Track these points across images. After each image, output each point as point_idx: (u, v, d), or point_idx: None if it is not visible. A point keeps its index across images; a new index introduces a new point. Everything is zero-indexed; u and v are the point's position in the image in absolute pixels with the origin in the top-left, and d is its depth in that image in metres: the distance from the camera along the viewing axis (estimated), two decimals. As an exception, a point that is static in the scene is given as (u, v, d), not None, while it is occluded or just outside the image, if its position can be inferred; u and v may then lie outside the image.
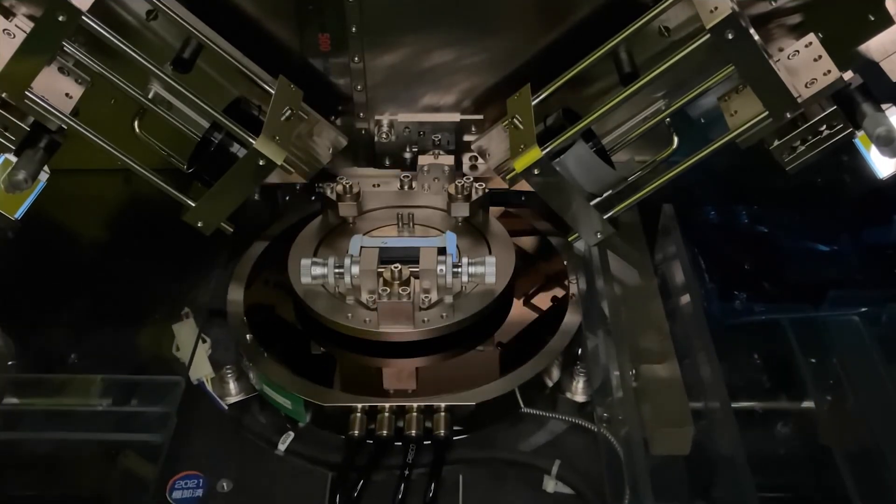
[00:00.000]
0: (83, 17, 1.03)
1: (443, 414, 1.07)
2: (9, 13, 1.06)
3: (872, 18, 0.99)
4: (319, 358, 1.17)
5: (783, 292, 1.30)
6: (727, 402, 1.01)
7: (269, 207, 1.43)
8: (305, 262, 1.13)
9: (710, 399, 1.03)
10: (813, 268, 1.37)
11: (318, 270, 1.13)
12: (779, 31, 1.08)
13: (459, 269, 1.13)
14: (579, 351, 1.17)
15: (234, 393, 1.15)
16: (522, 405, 1.11)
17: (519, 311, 1.22)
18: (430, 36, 1.29)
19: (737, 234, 1.42)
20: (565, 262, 1.27)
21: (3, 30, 1.04)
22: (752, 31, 1.02)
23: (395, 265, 1.13)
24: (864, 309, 1.25)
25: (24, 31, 1.04)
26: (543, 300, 1.24)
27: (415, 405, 1.08)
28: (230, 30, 1.21)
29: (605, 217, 1.17)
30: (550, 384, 1.15)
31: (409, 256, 1.15)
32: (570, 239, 1.24)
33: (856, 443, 1.10)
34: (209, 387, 1.14)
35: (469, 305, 1.15)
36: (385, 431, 1.07)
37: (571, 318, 1.19)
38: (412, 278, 1.13)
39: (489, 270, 1.13)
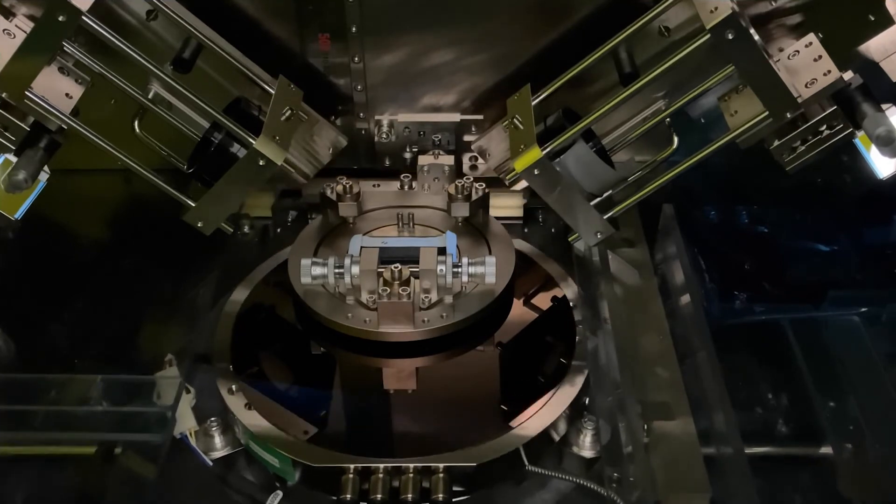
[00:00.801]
0: (83, 17, 1.03)
1: (441, 475, 1.00)
2: (9, 13, 1.06)
3: (872, 18, 0.99)
4: (310, 413, 1.09)
5: (783, 292, 1.30)
6: (742, 452, 0.96)
7: (257, 243, 1.37)
8: (305, 261, 1.13)
9: (724, 446, 0.98)
10: (813, 268, 1.37)
11: (318, 270, 1.13)
12: (779, 31, 1.08)
13: (459, 270, 1.13)
14: (586, 401, 1.10)
15: (219, 447, 1.08)
16: (527, 464, 1.03)
17: (519, 312, 1.22)
18: (430, 36, 1.29)
19: (737, 234, 1.42)
20: (572, 304, 1.21)
21: (3, 30, 1.04)
22: (752, 31, 1.02)
23: (395, 265, 1.13)
24: (864, 309, 1.25)
25: (24, 31, 1.04)
26: (543, 300, 1.24)
27: (411, 466, 1.00)
28: (230, 30, 1.21)
29: (605, 217, 1.17)
30: (557, 438, 1.08)
31: (409, 256, 1.15)
32: (570, 239, 1.24)
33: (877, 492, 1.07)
34: (193, 441, 1.07)
35: (469, 305, 1.15)
36: (379, 495, 0.99)
37: (579, 365, 1.12)
38: (412, 278, 1.13)
39: (489, 270, 1.13)
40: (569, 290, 1.24)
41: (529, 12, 1.27)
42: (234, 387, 1.10)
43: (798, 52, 1.04)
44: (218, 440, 1.08)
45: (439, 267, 1.12)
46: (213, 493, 1.06)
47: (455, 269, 1.13)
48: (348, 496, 0.99)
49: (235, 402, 1.08)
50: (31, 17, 1.06)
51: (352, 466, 1.01)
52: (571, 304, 1.21)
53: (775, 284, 1.32)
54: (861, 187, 1.37)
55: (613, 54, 1.17)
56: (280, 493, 1.03)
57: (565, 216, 1.17)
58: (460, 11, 1.27)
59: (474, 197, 1.27)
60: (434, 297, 1.14)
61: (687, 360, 1.10)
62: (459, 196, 1.27)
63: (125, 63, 1.08)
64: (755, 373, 1.18)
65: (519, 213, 1.38)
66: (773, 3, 1.06)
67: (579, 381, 1.10)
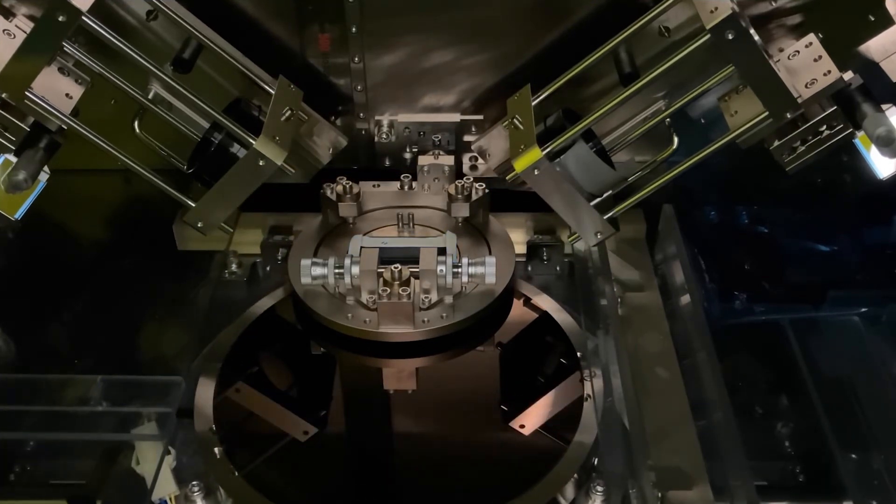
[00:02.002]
0: (83, 17, 1.03)
1: None
2: (9, 13, 1.06)
3: (872, 19, 0.99)
4: (306, 420, 1.07)
5: (783, 292, 1.30)
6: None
7: (246, 284, 1.30)
8: (305, 262, 1.13)
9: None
10: (813, 268, 1.37)
11: (318, 271, 1.13)
12: (779, 31, 1.08)
13: (459, 270, 1.13)
14: (595, 462, 1.03)
15: None
16: None
17: (519, 312, 1.22)
18: (430, 36, 1.29)
19: (737, 234, 1.42)
20: (583, 375, 1.12)
21: (3, 30, 1.04)
22: (752, 31, 1.02)
23: (395, 265, 1.13)
24: (864, 309, 1.25)
25: (24, 31, 1.04)
26: (549, 354, 1.22)
27: None
28: (230, 30, 1.20)
29: (605, 217, 1.17)
30: None
31: (409, 257, 1.15)
32: (570, 239, 1.24)
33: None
34: None
35: (469, 306, 1.15)
36: None
37: (586, 426, 1.05)
38: (412, 278, 1.13)
39: (489, 271, 1.13)
40: (574, 336, 1.17)
41: (529, 12, 1.27)
42: (217, 450, 1.02)
43: (798, 52, 1.04)
44: None
45: (439, 267, 1.12)
46: None
47: (455, 270, 1.13)
48: None
49: (219, 467, 1.01)
50: (31, 17, 1.06)
51: None
52: (578, 353, 1.15)
53: (775, 284, 1.32)
54: (861, 187, 1.37)
55: (613, 54, 1.17)
56: None
57: (565, 216, 1.17)
58: (460, 11, 1.27)
59: (474, 197, 1.27)
60: (434, 297, 1.14)
61: (687, 361, 1.10)
62: (459, 196, 1.27)
63: (125, 63, 1.08)
64: (755, 373, 1.19)
65: (522, 248, 1.32)
66: (773, 3, 1.06)
67: (587, 443, 1.03)
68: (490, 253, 1.22)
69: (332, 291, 1.16)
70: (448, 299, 1.15)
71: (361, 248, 1.16)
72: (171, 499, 1.00)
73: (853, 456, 1.08)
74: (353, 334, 1.14)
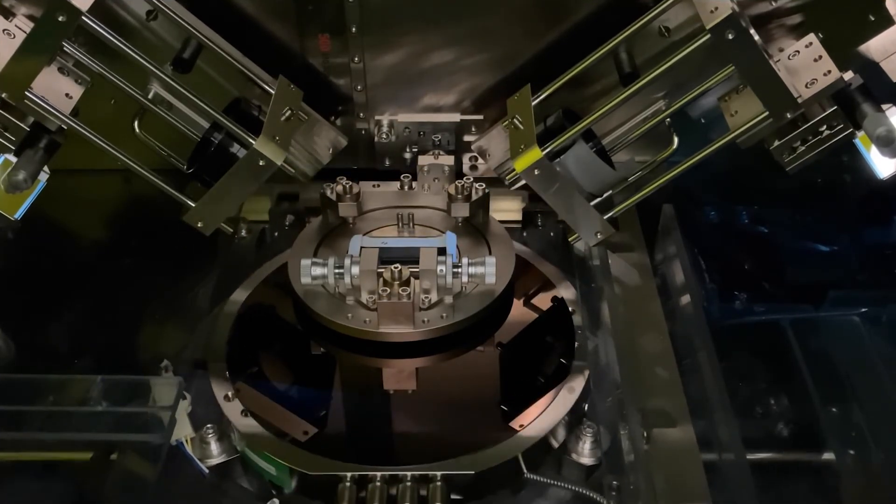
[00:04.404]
0: (83, 17, 1.03)
1: (439, 484, 0.99)
2: (9, 13, 1.06)
3: (872, 18, 0.99)
4: (306, 420, 1.08)
5: (783, 292, 1.30)
6: (744, 458, 0.95)
7: (254, 247, 1.37)
8: (305, 262, 1.13)
9: (725, 452, 0.97)
10: (813, 268, 1.37)
11: (317, 271, 1.13)
12: (779, 31, 1.08)
13: (459, 270, 1.13)
14: (585, 407, 1.09)
15: (215, 454, 1.06)
16: (526, 471, 1.02)
17: (519, 312, 1.22)
18: (430, 36, 1.29)
19: (737, 234, 1.42)
20: (571, 310, 1.20)
21: (3, 30, 1.04)
22: (752, 31, 1.02)
23: (395, 265, 1.13)
24: (864, 309, 1.25)
25: (24, 31, 1.04)
26: (543, 300, 1.24)
27: (408, 474, 0.99)
28: (230, 30, 1.21)
29: (605, 217, 1.17)
30: (556, 445, 1.06)
31: (409, 257, 1.15)
32: (570, 239, 1.24)
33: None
34: (189, 448, 1.05)
35: (469, 306, 1.15)
36: (376, 503, 0.98)
37: (578, 372, 1.11)
38: (412, 278, 1.13)
39: (489, 271, 1.13)
40: (567, 292, 1.23)
41: (529, 12, 1.27)
42: (230, 393, 1.08)
43: (798, 52, 1.04)
44: (214, 447, 1.07)
45: (439, 267, 1.12)
46: (208, 502, 1.05)
47: (455, 270, 1.13)
48: None
49: (232, 409, 1.07)
50: (31, 17, 1.06)
51: (348, 475, 1.00)
52: (570, 308, 1.20)
53: (775, 284, 1.32)
54: (861, 187, 1.37)
55: (613, 54, 1.17)
56: (276, 502, 1.02)
57: (565, 216, 1.17)
58: (460, 11, 1.27)
59: (474, 197, 1.27)
60: (434, 297, 1.14)
61: (687, 361, 1.10)
62: (459, 196, 1.27)
63: (125, 63, 1.08)
64: (755, 373, 1.18)
65: (518, 216, 1.38)
66: (773, 3, 1.06)
67: (578, 385, 1.09)
68: (490, 253, 1.22)
69: (332, 291, 1.16)
70: (448, 299, 1.15)
71: (361, 248, 1.16)
72: (187, 440, 1.06)
73: (851, 452, 1.09)
74: (353, 334, 1.13)
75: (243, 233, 1.38)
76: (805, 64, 1.04)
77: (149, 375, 1.14)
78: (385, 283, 1.13)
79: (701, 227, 1.38)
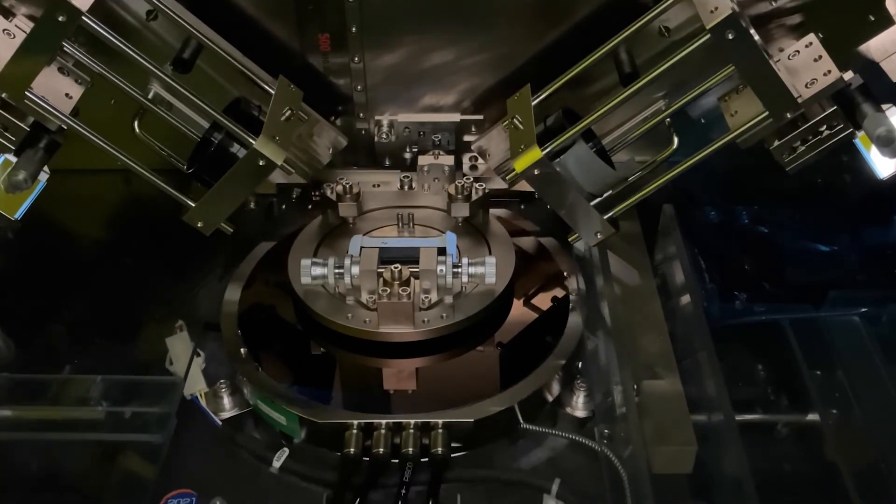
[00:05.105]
0: (83, 18, 1.03)
1: (440, 431, 1.05)
2: (9, 13, 1.06)
3: (872, 18, 0.99)
4: (314, 373, 1.15)
5: (783, 292, 1.30)
6: (732, 417, 0.98)
7: (264, 215, 1.42)
8: (305, 262, 1.13)
9: (715, 413, 1.01)
10: (813, 268, 1.37)
11: (318, 271, 1.13)
12: (779, 31, 1.08)
13: (459, 270, 1.13)
14: (579, 365, 1.15)
15: (228, 408, 1.12)
16: (522, 421, 1.08)
17: (519, 312, 1.22)
18: (430, 36, 1.29)
19: (737, 234, 1.42)
20: (565, 273, 1.26)
21: (3, 30, 1.04)
22: (752, 31, 1.02)
23: (395, 265, 1.13)
24: (864, 309, 1.25)
25: (24, 31, 1.04)
26: (543, 300, 1.24)
27: (412, 422, 1.05)
28: (230, 30, 1.21)
29: (605, 217, 1.17)
30: (550, 399, 1.12)
31: (409, 257, 1.15)
32: (570, 239, 1.24)
33: (861, 456, 1.09)
34: (203, 402, 1.12)
35: (469, 306, 1.15)
36: (381, 449, 1.03)
37: (571, 331, 1.16)
38: (412, 278, 1.13)
39: (489, 271, 1.13)
40: (564, 264, 1.27)
41: (529, 12, 1.27)
42: (243, 350, 1.13)
43: (798, 52, 1.04)
44: (227, 401, 1.12)
45: (439, 267, 1.12)
46: (222, 451, 1.10)
47: (455, 270, 1.13)
48: (352, 450, 1.03)
49: (244, 365, 1.12)
50: (31, 17, 1.06)
51: (355, 423, 1.05)
52: (565, 273, 1.25)
53: (775, 284, 1.32)
54: (861, 187, 1.37)
55: (613, 54, 1.17)
56: (286, 451, 1.07)
57: (565, 216, 1.17)
58: (460, 11, 1.27)
59: (474, 197, 1.27)
60: (434, 297, 1.14)
61: (687, 361, 1.10)
62: (459, 196, 1.27)
63: (125, 63, 1.08)
64: (755, 373, 1.18)
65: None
66: (773, 3, 1.06)
67: (572, 342, 1.14)
68: (490, 253, 1.22)
69: (332, 291, 1.16)
70: (448, 299, 1.15)
71: (361, 248, 1.16)
72: (201, 395, 1.12)
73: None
74: (353, 334, 1.14)
75: (251, 205, 1.41)
76: (805, 64, 1.04)
77: (148, 375, 1.14)
78: (385, 283, 1.13)
79: (701, 227, 1.38)
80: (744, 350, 1.21)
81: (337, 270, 1.12)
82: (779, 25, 1.08)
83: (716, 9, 1.01)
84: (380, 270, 1.13)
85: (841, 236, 1.39)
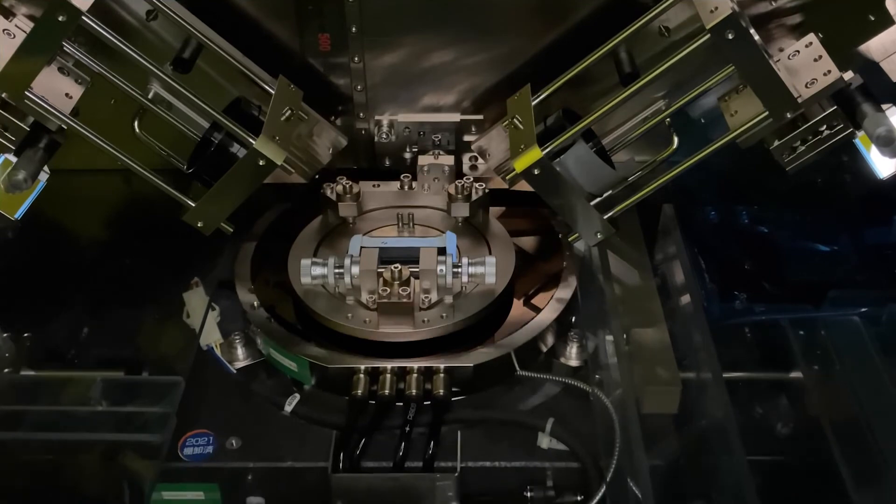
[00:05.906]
0: (83, 17, 1.03)
1: (442, 375, 1.11)
2: (9, 13, 1.06)
3: (872, 18, 0.99)
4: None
5: (783, 292, 1.30)
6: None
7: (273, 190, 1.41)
8: (305, 262, 1.13)
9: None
10: (813, 268, 1.37)
11: (317, 270, 1.13)
12: (779, 31, 1.08)
13: (459, 270, 1.13)
14: (573, 319, 1.21)
15: (241, 358, 1.19)
16: (518, 368, 1.14)
17: (519, 312, 1.22)
18: (430, 36, 1.29)
19: (737, 234, 1.42)
20: (560, 235, 1.30)
21: (3, 30, 1.04)
22: (752, 31, 1.02)
23: (395, 265, 1.13)
24: (864, 309, 1.25)
25: (24, 31, 1.04)
26: (543, 300, 1.24)
27: (415, 367, 1.11)
28: (230, 30, 1.20)
29: (605, 217, 1.17)
30: (545, 349, 1.19)
31: (409, 256, 1.15)
32: (570, 239, 1.24)
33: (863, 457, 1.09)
34: (218, 352, 1.18)
35: (469, 306, 1.15)
36: (386, 392, 1.10)
37: (565, 286, 1.22)
38: (412, 278, 1.13)
39: (489, 271, 1.13)
40: (557, 221, 1.32)
41: (529, 12, 1.27)
42: (255, 303, 1.20)
43: (798, 52, 1.04)
44: (240, 352, 1.20)
45: (439, 267, 1.12)
46: (237, 397, 1.16)
47: (455, 270, 1.13)
48: (359, 392, 1.09)
49: (258, 316, 1.18)
50: (31, 17, 1.06)
51: (362, 367, 1.11)
52: (559, 233, 1.30)
53: (775, 284, 1.31)
54: (861, 187, 1.37)
55: (613, 54, 1.17)
56: (297, 396, 1.13)
57: (565, 216, 1.17)
58: (460, 11, 1.27)
59: (474, 197, 1.27)
60: (434, 297, 1.14)
61: (687, 360, 1.10)
62: (459, 196, 1.27)
63: (125, 63, 1.08)
64: (755, 373, 1.18)
65: None
66: (773, 3, 1.06)
67: (568, 292, 1.21)
68: (490, 253, 1.22)
69: (332, 291, 1.16)
70: (448, 299, 1.15)
71: (361, 248, 1.16)
72: (216, 345, 1.19)
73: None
74: (353, 334, 1.14)
75: None
76: (805, 64, 1.04)
77: (148, 375, 1.15)
78: (385, 283, 1.13)
79: (701, 227, 1.38)
80: (744, 350, 1.21)
81: (337, 270, 1.12)
82: (779, 25, 1.08)
83: (716, 9, 1.01)
84: (380, 270, 1.13)
85: (841, 236, 1.39)
